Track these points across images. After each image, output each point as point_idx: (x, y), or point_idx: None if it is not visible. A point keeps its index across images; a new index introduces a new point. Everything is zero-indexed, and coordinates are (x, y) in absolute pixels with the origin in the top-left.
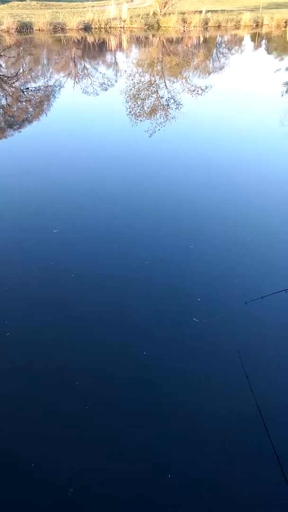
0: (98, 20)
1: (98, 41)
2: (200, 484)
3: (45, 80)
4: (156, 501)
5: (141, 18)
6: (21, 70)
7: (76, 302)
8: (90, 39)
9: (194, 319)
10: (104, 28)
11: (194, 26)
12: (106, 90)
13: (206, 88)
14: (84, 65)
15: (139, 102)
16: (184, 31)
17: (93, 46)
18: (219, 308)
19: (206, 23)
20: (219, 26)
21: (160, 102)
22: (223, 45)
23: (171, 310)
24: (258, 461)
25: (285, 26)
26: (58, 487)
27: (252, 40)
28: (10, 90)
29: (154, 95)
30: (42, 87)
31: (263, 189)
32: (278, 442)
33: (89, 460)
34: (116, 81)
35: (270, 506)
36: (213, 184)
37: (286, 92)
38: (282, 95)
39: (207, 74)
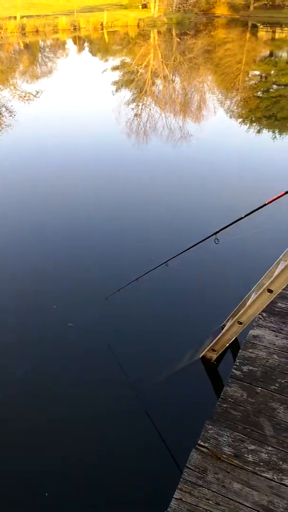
0: None
1: None
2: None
3: None
4: None
5: None
6: None
7: None
8: None
9: (69, 324)
10: None
11: (11, 32)
12: None
13: (37, 93)
14: None
15: None
16: (2, 37)
17: None
18: (81, 308)
19: (23, 29)
20: (37, 31)
21: None
22: (47, 49)
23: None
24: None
25: (102, 29)
26: None
27: (74, 44)
28: None
29: None
30: None
31: (104, 182)
32: (161, 409)
33: None
34: None
35: None
36: (58, 180)
37: (116, 91)
38: (113, 94)
39: (35, 79)
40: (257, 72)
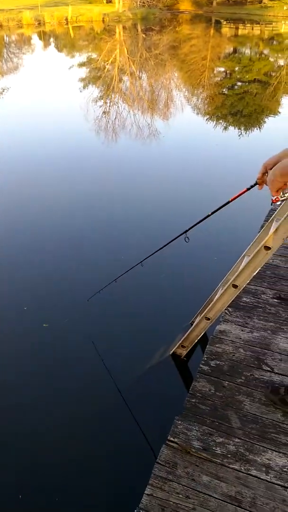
0: None
1: None
2: None
3: None
4: None
5: None
6: None
7: None
8: None
9: (44, 324)
10: None
11: None
12: None
13: (3, 91)
14: None
15: None
16: None
17: None
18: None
19: None
20: (1, 26)
21: None
22: (12, 45)
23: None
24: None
25: (67, 24)
26: None
27: (40, 39)
28: None
29: None
30: None
31: (75, 181)
32: (134, 407)
33: None
34: None
35: None
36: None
37: (84, 88)
38: (81, 91)
39: (0, 76)
40: (222, 69)
